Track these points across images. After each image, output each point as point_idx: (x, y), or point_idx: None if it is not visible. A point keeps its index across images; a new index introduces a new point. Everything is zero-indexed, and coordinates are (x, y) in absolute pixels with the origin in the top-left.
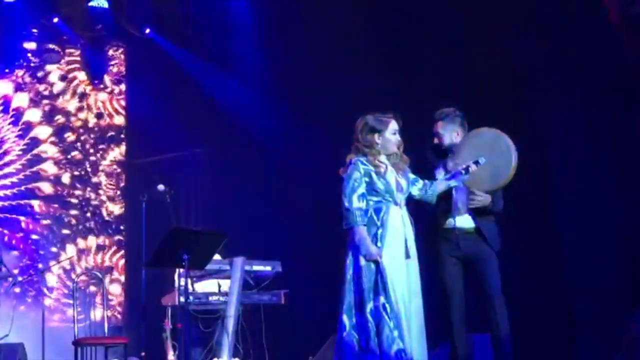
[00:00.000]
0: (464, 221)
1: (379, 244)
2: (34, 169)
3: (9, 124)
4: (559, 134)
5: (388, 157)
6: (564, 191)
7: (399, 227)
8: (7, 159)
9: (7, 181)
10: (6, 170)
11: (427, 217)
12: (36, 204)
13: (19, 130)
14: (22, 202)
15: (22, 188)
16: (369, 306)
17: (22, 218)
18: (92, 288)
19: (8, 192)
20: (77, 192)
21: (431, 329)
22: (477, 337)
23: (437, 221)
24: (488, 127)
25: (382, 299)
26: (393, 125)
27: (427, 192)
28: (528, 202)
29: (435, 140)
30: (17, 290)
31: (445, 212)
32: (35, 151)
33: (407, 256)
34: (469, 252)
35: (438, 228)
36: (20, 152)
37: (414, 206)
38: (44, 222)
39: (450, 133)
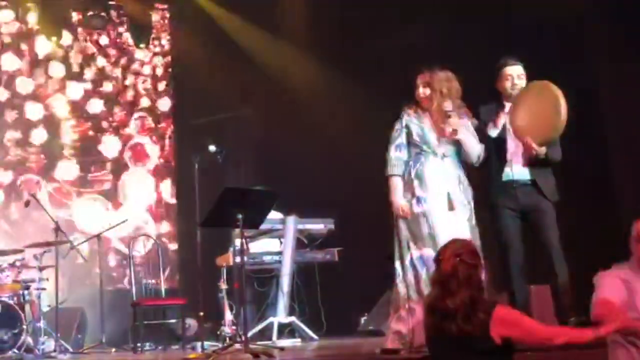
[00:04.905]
0: (520, 173)
1: (416, 195)
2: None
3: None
4: (610, 84)
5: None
6: (618, 140)
7: (438, 178)
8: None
9: None
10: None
11: (484, 169)
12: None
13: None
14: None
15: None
16: (408, 257)
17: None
18: (149, 251)
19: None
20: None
21: (490, 280)
22: (535, 288)
23: (493, 173)
24: (537, 80)
25: (421, 251)
26: (418, 79)
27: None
28: (583, 152)
29: (507, 84)
30: (65, 256)
31: (500, 164)
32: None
33: (450, 208)
34: (526, 203)
35: (494, 180)
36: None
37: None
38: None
39: (521, 80)
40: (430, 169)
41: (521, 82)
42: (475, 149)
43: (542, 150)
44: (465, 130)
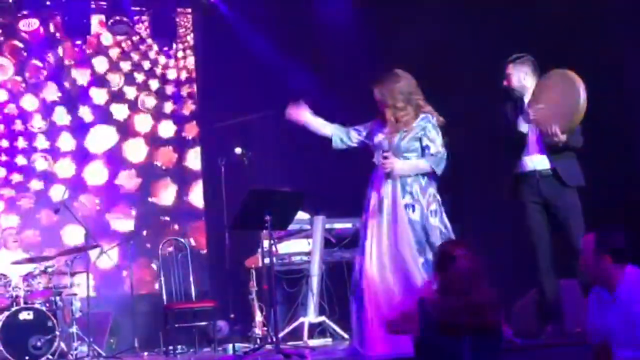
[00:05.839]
0: (541, 163)
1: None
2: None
3: None
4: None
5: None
6: None
7: (379, 185)
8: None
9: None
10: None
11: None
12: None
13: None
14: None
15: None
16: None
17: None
18: (178, 254)
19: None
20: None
21: (520, 275)
22: (565, 282)
23: (515, 166)
24: (556, 69)
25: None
26: None
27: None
28: (608, 139)
29: (505, 82)
30: (95, 260)
31: (520, 155)
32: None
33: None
34: (550, 196)
35: (517, 175)
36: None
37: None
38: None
39: (518, 73)
40: (376, 176)
41: (524, 81)
42: (420, 169)
43: (564, 138)
44: (403, 163)
